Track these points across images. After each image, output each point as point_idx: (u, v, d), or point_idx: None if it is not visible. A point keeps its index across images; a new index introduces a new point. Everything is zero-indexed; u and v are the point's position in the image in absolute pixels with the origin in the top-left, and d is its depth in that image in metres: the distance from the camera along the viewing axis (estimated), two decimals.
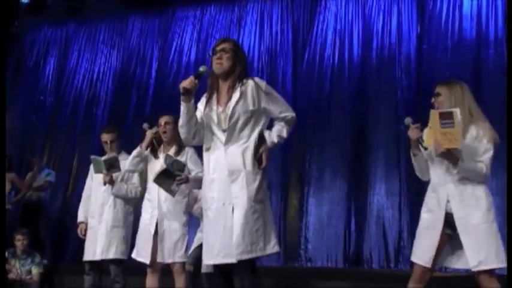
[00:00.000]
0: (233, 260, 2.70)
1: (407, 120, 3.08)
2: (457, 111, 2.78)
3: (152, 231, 3.84)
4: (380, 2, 6.64)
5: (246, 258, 2.71)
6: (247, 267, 2.74)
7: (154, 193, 3.91)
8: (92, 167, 4.46)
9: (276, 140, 2.85)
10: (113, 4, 8.22)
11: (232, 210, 2.74)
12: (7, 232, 5.42)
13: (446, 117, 2.79)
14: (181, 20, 7.88)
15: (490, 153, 2.90)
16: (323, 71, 6.67)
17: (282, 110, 2.89)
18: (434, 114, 2.85)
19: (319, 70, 6.70)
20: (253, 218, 2.72)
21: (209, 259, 2.82)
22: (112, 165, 4.26)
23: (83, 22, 8.48)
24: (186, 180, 3.78)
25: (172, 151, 3.96)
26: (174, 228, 3.86)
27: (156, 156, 4.03)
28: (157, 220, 3.85)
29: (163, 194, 3.86)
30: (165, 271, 3.94)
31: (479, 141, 2.91)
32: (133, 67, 7.96)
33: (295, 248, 6.19)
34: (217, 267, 2.85)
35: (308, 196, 6.32)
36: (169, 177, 3.76)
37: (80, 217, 4.55)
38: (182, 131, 2.88)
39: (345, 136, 6.36)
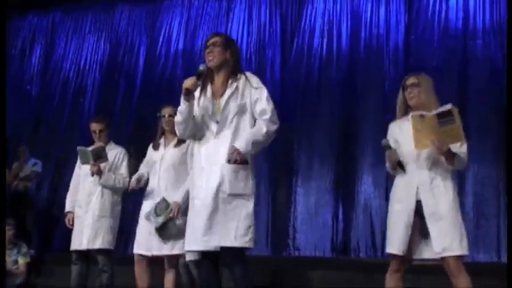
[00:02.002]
0: (218, 245, 2.72)
1: (385, 141, 3.15)
2: (454, 107, 2.81)
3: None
4: None
5: (230, 246, 2.73)
6: (236, 255, 2.76)
7: (155, 183, 3.90)
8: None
9: (249, 147, 2.78)
10: None
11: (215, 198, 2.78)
12: None
13: (444, 116, 2.82)
14: (169, 9, 7.81)
15: (466, 144, 2.98)
16: (311, 61, 6.66)
17: (262, 109, 2.86)
18: (429, 118, 2.84)
19: (307, 60, 6.68)
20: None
21: (192, 245, 2.84)
22: (99, 156, 4.22)
23: (69, 10, 8.37)
24: (179, 207, 3.68)
25: (172, 144, 3.93)
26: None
27: (156, 148, 4.01)
28: None
29: (163, 183, 3.84)
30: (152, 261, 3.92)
31: None
32: (121, 56, 7.89)
33: (283, 238, 6.21)
34: (204, 258, 2.87)
35: (296, 186, 6.33)
36: (167, 225, 3.73)
37: (68, 207, 4.51)
38: (180, 127, 2.94)
39: (332, 126, 6.37)
